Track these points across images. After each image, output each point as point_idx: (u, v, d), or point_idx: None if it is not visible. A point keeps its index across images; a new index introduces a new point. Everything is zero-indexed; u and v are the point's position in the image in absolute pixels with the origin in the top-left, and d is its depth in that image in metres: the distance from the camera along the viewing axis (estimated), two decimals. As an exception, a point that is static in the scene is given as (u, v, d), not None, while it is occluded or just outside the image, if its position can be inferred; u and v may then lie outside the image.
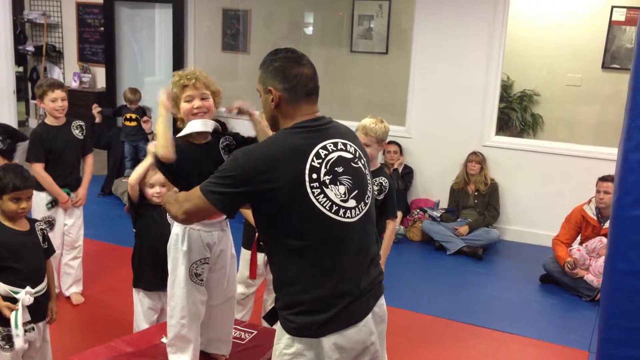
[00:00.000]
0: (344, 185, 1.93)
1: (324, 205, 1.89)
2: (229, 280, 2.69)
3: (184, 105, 2.40)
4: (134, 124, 6.45)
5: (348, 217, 1.93)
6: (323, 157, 1.91)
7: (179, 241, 2.50)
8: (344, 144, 1.98)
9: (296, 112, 1.97)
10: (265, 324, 2.86)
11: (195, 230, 2.48)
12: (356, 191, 1.95)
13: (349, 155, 1.97)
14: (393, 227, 3.16)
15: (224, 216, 2.49)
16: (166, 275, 2.60)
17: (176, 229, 2.52)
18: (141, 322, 3.24)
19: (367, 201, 2.00)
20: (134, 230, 3.24)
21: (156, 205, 3.15)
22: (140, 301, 3.25)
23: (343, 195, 1.92)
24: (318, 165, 1.89)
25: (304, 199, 1.87)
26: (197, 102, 2.39)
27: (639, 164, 1.82)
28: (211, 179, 1.94)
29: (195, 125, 2.38)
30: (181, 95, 2.40)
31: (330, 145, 1.94)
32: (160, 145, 2.27)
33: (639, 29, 1.87)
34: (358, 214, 1.96)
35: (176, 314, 2.55)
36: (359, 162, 2.00)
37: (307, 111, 1.99)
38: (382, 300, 2.07)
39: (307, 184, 1.87)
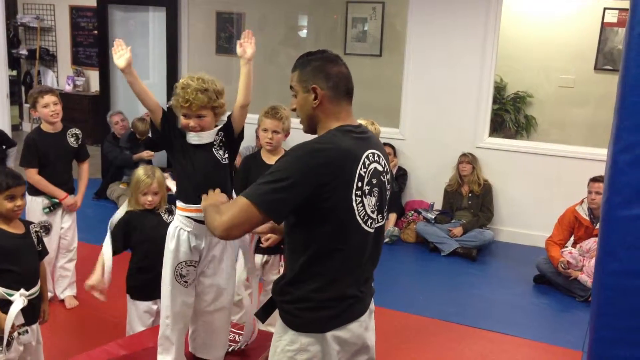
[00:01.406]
0: (374, 197, 1.96)
1: (360, 213, 1.92)
2: (222, 289, 2.68)
3: (182, 119, 2.50)
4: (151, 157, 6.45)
5: (372, 228, 1.98)
6: (367, 166, 1.94)
7: (168, 239, 2.54)
8: (378, 156, 2.01)
9: (339, 111, 1.98)
10: (259, 323, 2.85)
11: (185, 231, 2.50)
12: (379, 203, 2.00)
13: (381, 168, 2.01)
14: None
15: None
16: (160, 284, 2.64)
17: (170, 227, 2.55)
18: (136, 325, 3.24)
19: (384, 214, 2.06)
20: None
21: (147, 213, 3.17)
22: (135, 304, 3.25)
23: (373, 207, 1.96)
24: (363, 174, 1.92)
25: (347, 205, 1.89)
26: (192, 122, 2.48)
27: (628, 165, 1.83)
28: (261, 184, 1.85)
29: (191, 139, 2.51)
30: (179, 110, 2.48)
31: (371, 155, 1.97)
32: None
33: (628, 31, 1.89)
34: (375, 226, 2.00)
35: (163, 312, 2.60)
36: (385, 177, 2.03)
37: (348, 112, 2.00)
38: (372, 298, 2.17)
39: (354, 190, 1.89)
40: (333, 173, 1.86)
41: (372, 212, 1.96)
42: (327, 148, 1.89)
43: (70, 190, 4.06)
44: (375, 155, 1.99)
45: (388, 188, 2.07)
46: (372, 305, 2.15)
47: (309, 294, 1.94)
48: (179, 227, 2.51)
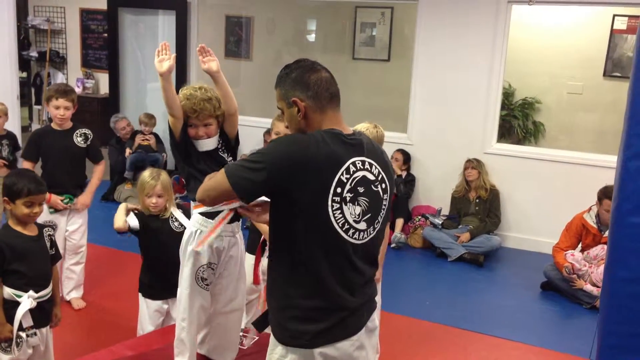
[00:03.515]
0: (360, 206, 1.91)
1: (338, 221, 1.87)
2: (237, 291, 2.69)
3: (189, 129, 2.55)
4: (146, 143, 6.52)
5: (355, 239, 1.93)
6: (351, 173, 1.89)
7: (188, 241, 2.53)
8: (370, 164, 1.95)
9: (324, 119, 1.93)
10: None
11: (205, 233, 2.51)
12: (369, 214, 1.94)
13: (372, 177, 1.95)
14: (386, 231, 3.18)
15: (238, 203, 2.51)
16: (173, 284, 2.64)
17: (189, 228, 2.55)
18: (146, 324, 3.25)
19: (376, 226, 1.99)
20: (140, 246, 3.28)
21: (154, 218, 3.19)
22: (146, 302, 3.26)
23: (357, 217, 1.91)
24: (345, 181, 1.87)
25: (322, 210, 1.85)
26: (200, 131, 2.54)
27: (638, 172, 1.83)
28: (240, 161, 1.92)
29: (199, 146, 2.57)
30: (187, 115, 2.53)
31: (358, 163, 1.91)
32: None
33: (638, 38, 1.89)
34: (365, 237, 1.95)
35: (179, 315, 2.59)
36: (378, 186, 1.97)
37: (335, 118, 1.95)
38: (374, 315, 2.09)
39: (330, 196, 1.85)
40: (308, 171, 1.83)
41: (356, 222, 1.90)
42: (309, 145, 1.86)
43: (76, 190, 4.00)
44: (366, 163, 1.93)
45: (384, 199, 2.00)
46: (372, 323, 2.05)
47: (295, 301, 1.92)
48: (198, 229, 2.50)
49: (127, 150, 6.47)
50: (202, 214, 2.52)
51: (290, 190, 1.84)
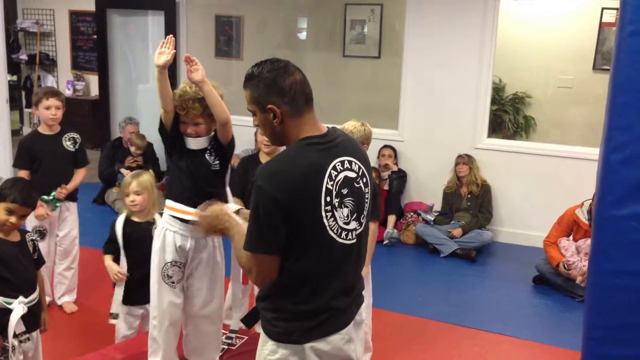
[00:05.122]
0: (347, 207, 1.90)
1: (332, 228, 1.87)
2: (212, 295, 2.69)
3: (181, 124, 2.57)
4: (134, 165, 6.45)
5: (349, 240, 1.93)
6: (334, 178, 1.87)
7: (154, 239, 2.57)
8: (350, 162, 1.93)
9: (301, 124, 1.89)
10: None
11: (170, 231, 2.53)
12: (356, 213, 1.94)
13: (353, 175, 1.93)
14: (375, 228, 3.20)
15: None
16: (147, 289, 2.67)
17: (158, 228, 2.58)
18: (123, 328, 3.23)
19: (362, 221, 1.99)
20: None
21: (139, 223, 3.16)
22: (121, 307, 3.24)
23: (346, 218, 1.90)
24: (331, 188, 1.86)
25: (318, 221, 1.85)
26: (189, 129, 2.56)
27: (619, 164, 1.84)
28: (250, 231, 1.86)
29: (188, 143, 2.60)
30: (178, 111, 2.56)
31: (338, 165, 1.89)
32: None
33: (618, 32, 1.90)
34: (355, 234, 1.96)
35: (151, 313, 2.62)
36: (360, 182, 1.96)
37: (311, 122, 1.92)
38: (361, 309, 2.09)
39: (322, 207, 1.84)
40: (295, 191, 1.81)
41: (346, 223, 1.91)
42: (286, 168, 1.84)
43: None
44: (345, 162, 1.91)
45: (366, 192, 1.99)
46: (359, 317, 2.07)
47: (288, 306, 1.92)
48: (165, 227, 2.55)
49: (124, 171, 6.39)
50: (171, 215, 2.54)
51: (288, 212, 1.82)
